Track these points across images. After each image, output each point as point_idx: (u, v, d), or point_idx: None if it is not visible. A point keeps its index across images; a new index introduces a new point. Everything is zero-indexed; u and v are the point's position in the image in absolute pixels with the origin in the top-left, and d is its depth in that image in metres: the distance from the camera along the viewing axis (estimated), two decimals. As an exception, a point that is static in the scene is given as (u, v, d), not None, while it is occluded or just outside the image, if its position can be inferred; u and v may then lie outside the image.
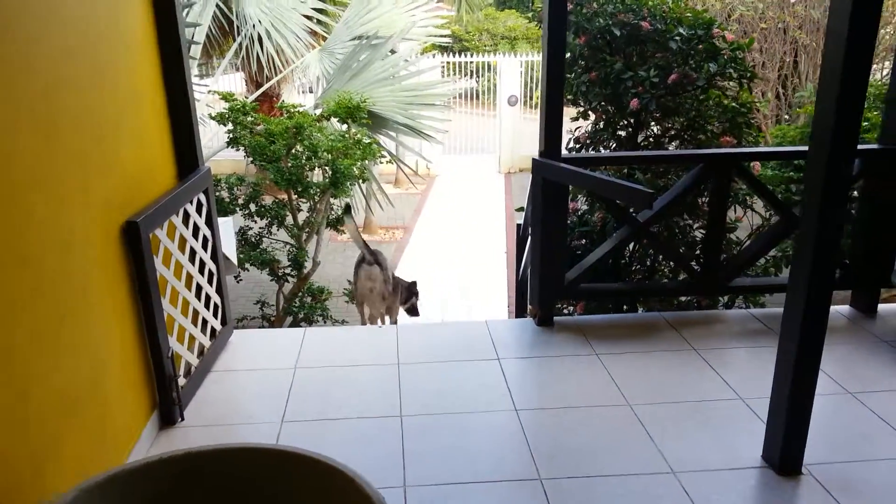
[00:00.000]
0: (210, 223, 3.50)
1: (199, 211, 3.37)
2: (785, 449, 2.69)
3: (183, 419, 3.01)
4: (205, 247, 3.44)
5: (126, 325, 2.67)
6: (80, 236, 2.30)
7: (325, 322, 6.35)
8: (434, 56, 13.87)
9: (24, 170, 1.98)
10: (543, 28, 3.52)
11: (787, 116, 9.89)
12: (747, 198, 4.61)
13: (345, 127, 6.46)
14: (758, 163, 4.65)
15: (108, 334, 2.51)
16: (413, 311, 5.99)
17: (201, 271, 3.39)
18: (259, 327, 6.65)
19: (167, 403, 2.93)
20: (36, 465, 2.00)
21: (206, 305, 3.45)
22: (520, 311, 5.01)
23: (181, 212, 3.14)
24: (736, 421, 3.04)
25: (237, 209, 6.02)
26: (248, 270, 6.27)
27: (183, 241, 3.17)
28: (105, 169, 2.52)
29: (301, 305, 6.25)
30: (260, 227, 6.31)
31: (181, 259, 3.12)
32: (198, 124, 3.45)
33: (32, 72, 2.03)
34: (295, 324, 6.35)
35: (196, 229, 3.34)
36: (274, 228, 6.29)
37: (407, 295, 5.92)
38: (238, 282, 6.39)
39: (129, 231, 2.65)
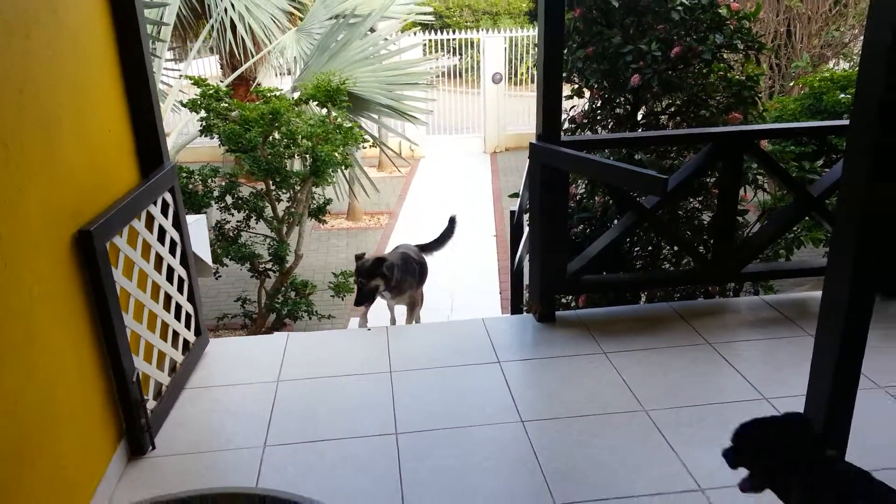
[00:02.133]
0: (178, 224, 3.17)
1: (164, 212, 3.04)
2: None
3: (154, 447, 2.70)
4: (172, 251, 3.11)
5: (83, 349, 2.36)
6: (19, 250, 1.97)
7: (310, 318, 6.04)
8: (415, 34, 13.43)
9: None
10: (539, 0, 3.19)
11: (779, 87, 9.61)
12: (759, 177, 4.34)
13: (324, 111, 6.11)
14: (765, 139, 4.37)
15: (60, 361, 2.20)
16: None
17: (170, 279, 3.07)
18: (241, 326, 6.34)
19: (135, 432, 2.63)
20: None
21: (177, 316, 3.13)
22: (515, 303, 4.73)
23: (143, 215, 2.81)
24: (762, 425, 2.79)
25: (212, 202, 5.67)
26: (228, 266, 5.94)
27: (147, 247, 2.84)
28: (49, 170, 2.19)
29: (285, 301, 5.94)
30: (238, 221, 5.97)
31: (145, 268, 2.79)
32: (161, 116, 3.10)
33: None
34: (279, 321, 6.04)
35: (162, 232, 3.01)
36: (253, 221, 5.94)
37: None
38: (217, 278, 6.06)
39: (81, 241, 2.33)
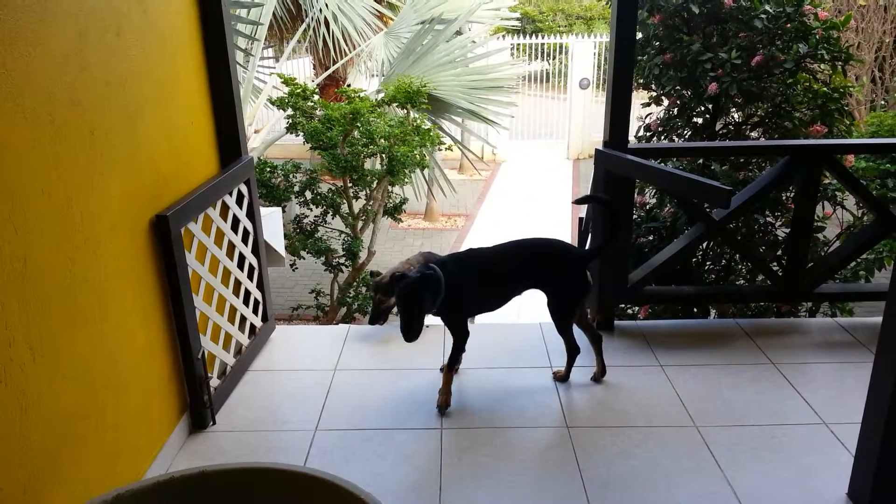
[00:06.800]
0: (252, 215, 3.35)
1: (239, 203, 3.22)
2: (876, 487, 2.33)
3: (214, 423, 2.88)
4: (245, 240, 3.29)
5: (153, 325, 2.54)
6: (98, 229, 2.16)
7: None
8: (503, 38, 13.49)
9: (35, 154, 1.83)
10: (612, 5, 3.20)
11: (883, 102, 9.11)
12: (837, 193, 4.16)
13: (405, 112, 6.25)
14: (851, 154, 4.18)
15: (130, 334, 2.38)
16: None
17: (240, 266, 3.25)
18: (314, 317, 6.57)
19: (198, 407, 2.80)
20: (45, 477, 1.88)
21: (246, 302, 3.31)
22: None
23: (219, 204, 3.00)
24: (818, 450, 2.69)
25: (293, 196, 5.91)
26: (305, 259, 6.17)
27: (220, 234, 3.02)
28: (131, 157, 2.37)
29: (356, 296, 6.11)
30: (315, 216, 6.19)
31: (217, 254, 2.97)
32: (241, 111, 3.29)
33: (41, 44, 1.88)
34: (349, 315, 6.23)
35: (236, 222, 3.19)
36: (329, 217, 6.16)
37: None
38: (293, 270, 6.31)
39: (157, 225, 2.52)
